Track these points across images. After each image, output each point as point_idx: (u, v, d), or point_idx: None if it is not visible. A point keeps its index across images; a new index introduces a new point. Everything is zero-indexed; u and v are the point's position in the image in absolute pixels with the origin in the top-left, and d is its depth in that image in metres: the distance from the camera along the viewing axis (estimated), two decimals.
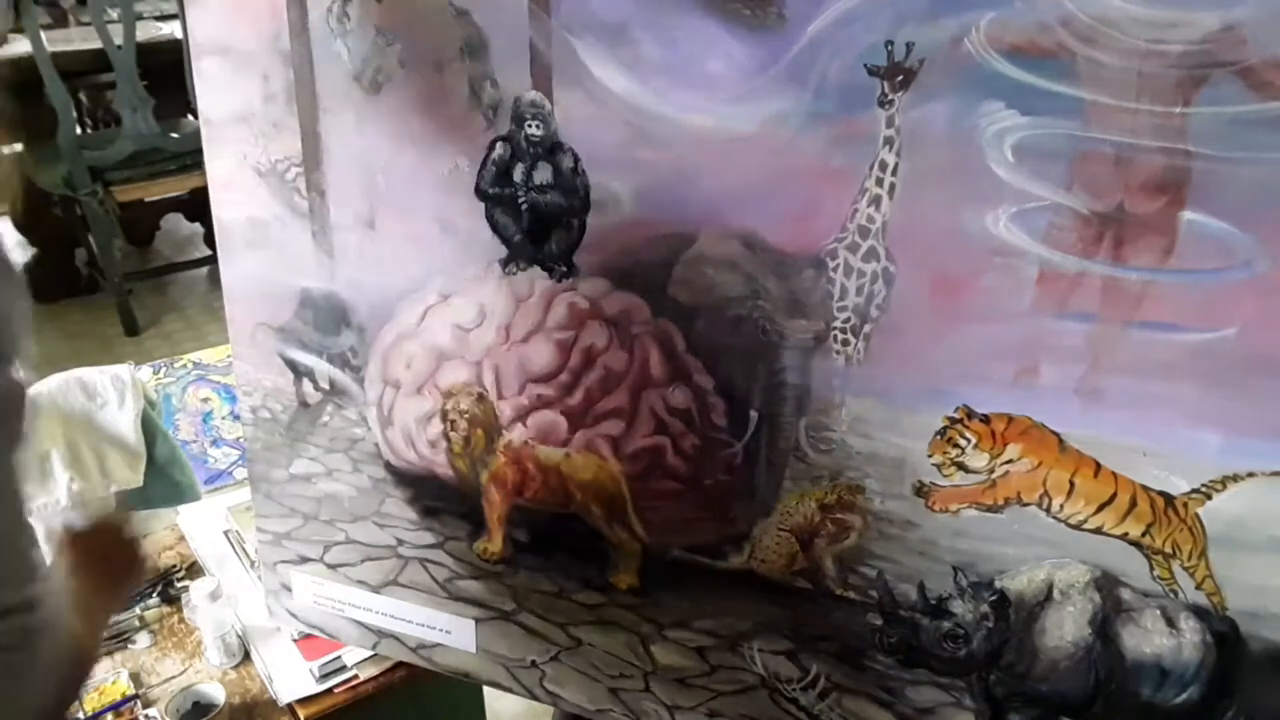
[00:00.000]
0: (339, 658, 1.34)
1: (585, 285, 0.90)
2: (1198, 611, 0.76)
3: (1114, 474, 0.75)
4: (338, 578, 1.15)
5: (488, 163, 0.89)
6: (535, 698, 1.10)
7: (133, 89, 3.00)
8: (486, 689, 1.28)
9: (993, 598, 0.82)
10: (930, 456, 0.80)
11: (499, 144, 0.88)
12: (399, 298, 0.99)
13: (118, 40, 2.92)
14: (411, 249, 0.96)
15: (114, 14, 2.91)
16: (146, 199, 3.38)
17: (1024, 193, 0.70)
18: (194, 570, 1.43)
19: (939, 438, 0.79)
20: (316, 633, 1.23)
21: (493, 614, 1.08)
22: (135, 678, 1.35)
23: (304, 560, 1.16)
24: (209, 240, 3.62)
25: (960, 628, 0.83)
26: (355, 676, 1.34)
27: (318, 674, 1.33)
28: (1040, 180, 0.70)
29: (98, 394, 1.40)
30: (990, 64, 0.68)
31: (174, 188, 3.29)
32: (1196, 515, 0.73)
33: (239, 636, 1.40)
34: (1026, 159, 0.69)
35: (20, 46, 2.85)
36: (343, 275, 1.01)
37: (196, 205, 3.59)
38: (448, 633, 1.11)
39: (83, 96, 3.66)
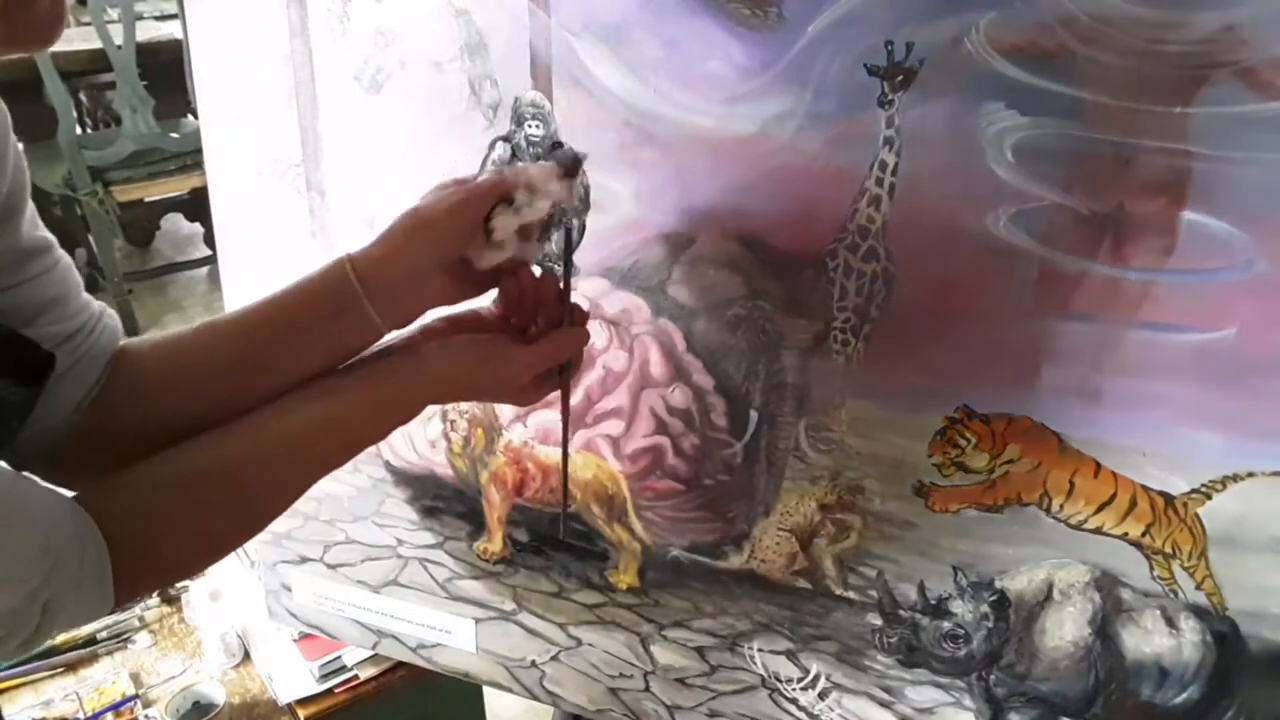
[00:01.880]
0: (339, 658, 1.34)
1: (585, 285, 0.90)
2: (1198, 611, 0.76)
3: (1114, 474, 0.75)
4: (338, 577, 1.15)
5: (487, 162, 0.89)
6: (535, 697, 1.10)
7: (133, 89, 3.00)
8: (486, 689, 1.28)
9: (993, 598, 0.82)
10: (930, 457, 0.80)
11: (499, 144, 0.88)
12: None
13: (118, 40, 2.93)
14: None
15: (114, 14, 2.92)
16: (146, 199, 3.38)
17: (1024, 193, 0.70)
18: None
19: (939, 438, 0.79)
20: (316, 632, 1.23)
21: (492, 614, 1.08)
22: (135, 678, 1.36)
23: (304, 560, 1.16)
24: (209, 240, 3.62)
25: (960, 628, 0.83)
26: (355, 676, 1.34)
27: (318, 674, 1.33)
28: (1040, 180, 0.70)
29: None
30: (990, 64, 0.68)
31: (174, 188, 3.30)
32: (1196, 515, 0.73)
33: (239, 636, 1.40)
34: (1026, 159, 0.69)
35: None
36: None
37: (196, 205, 3.59)
38: (448, 633, 1.11)
39: (83, 96, 3.67)
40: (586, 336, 0.76)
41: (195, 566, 0.69)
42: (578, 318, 0.75)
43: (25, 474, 0.58)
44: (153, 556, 0.64)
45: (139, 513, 0.63)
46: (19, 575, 0.55)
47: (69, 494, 0.60)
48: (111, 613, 0.63)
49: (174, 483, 0.65)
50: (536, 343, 0.72)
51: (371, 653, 1.25)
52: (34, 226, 0.66)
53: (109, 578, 0.60)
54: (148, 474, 0.65)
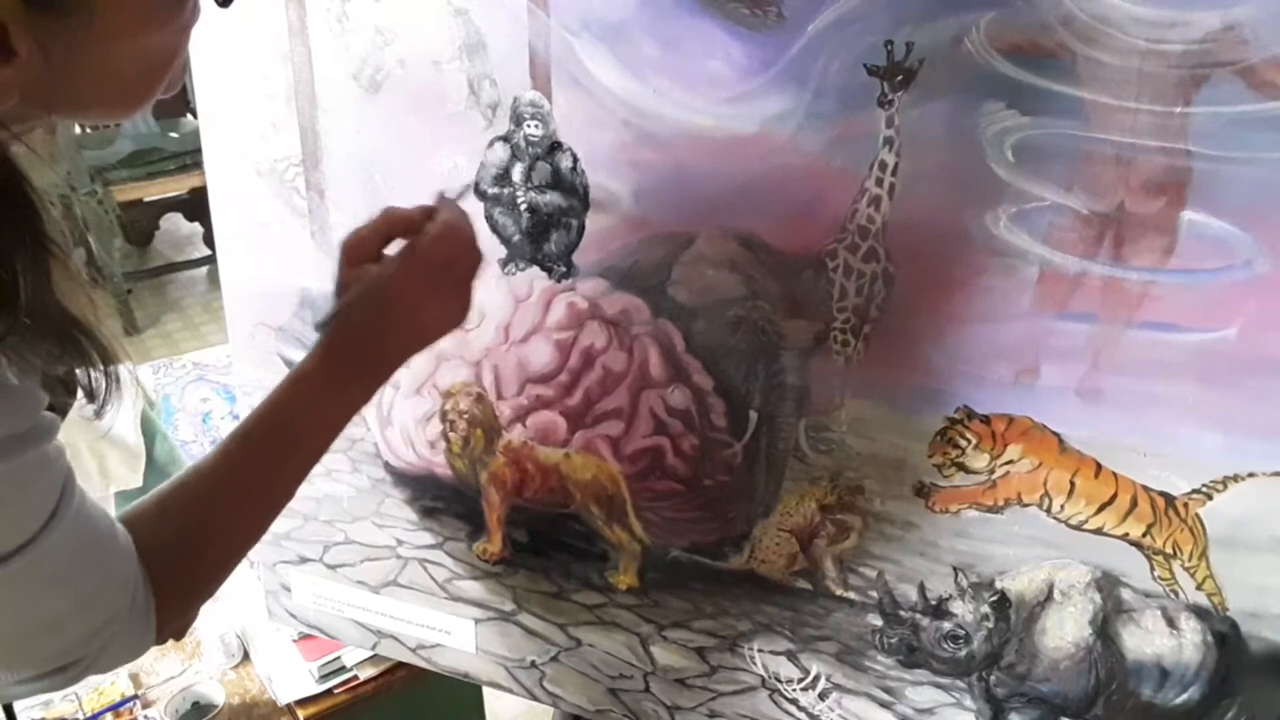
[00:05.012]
0: (339, 658, 1.34)
1: (584, 285, 0.90)
2: (1198, 612, 0.76)
3: (1114, 474, 0.75)
4: (337, 578, 1.15)
5: (486, 162, 0.89)
6: (535, 698, 1.10)
7: None
8: (486, 689, 1.28)
9: (993, 598, 0.82)
10: (930, 457, 0.80)
11: (498, 143, 0.88)
12: None
13: None
14: None
15: None
16: (146, 199, 3.39)
17: (1024, 193, 0.70)
18: None
19: (939, 438, 0.79)
20: (316, 633, 1.23)
21: (492, 614, 1.08)
22: (134, 678, 1.36)
23: (303, 560, 1.16)
24: (208, 240, 3.62)
25: (961, 628, 0.83)
26: (355, 677, 1.34)
27: (317, 674, 1.33)
28: (1040, 180, 0.70)
29: None
30: (990, 64, 0.68)
31: (173, 187, 3.30)
32: (1197, 515, 0.73)
33: (238, 637, 1.40)
34: (1027, 159, 0.69)
35: None
36: None
37: (196, 205, 3.59)
38: (447, 633, 1.11)
39: None
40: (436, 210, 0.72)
41: (214, 589, 0.71)
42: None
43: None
44: (187, 592, 0.67)
45: (178, 548, 0.65)
46: (105, 600, 0.58)
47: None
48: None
49: (202, 523, 0.67)
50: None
51: (371, 653, 1.24)
52: None
53: (153, 615, 0.62)
54: (174, 516, 0.66)
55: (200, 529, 0.67)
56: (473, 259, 0.73)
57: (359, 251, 0.72)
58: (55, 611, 0.57)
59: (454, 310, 0.73)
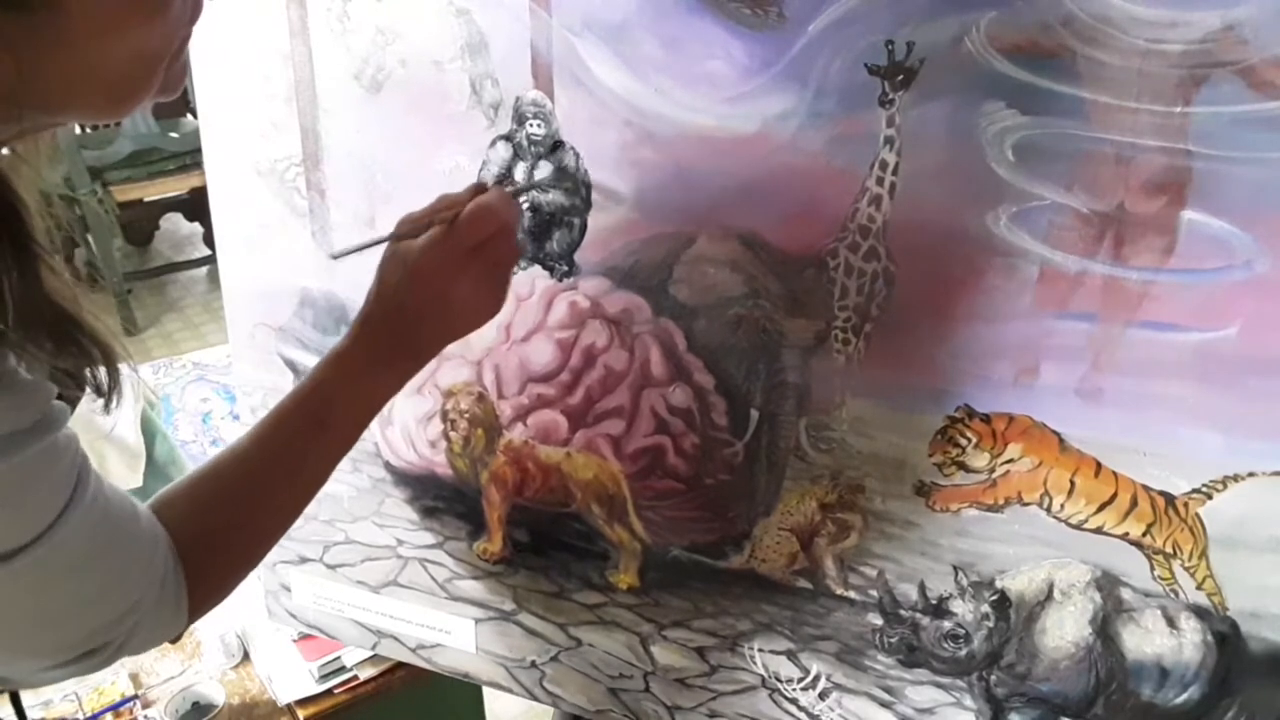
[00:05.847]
0: (338, 658, 1.34)
1: (586, 284, 0.90)
2: (1198, 611, 0.76)
3: (1114, 474, 0.75)
4: (337, 578, 1.15)
5: (488, 162, 0.89)
6: (535, 698, 1.10)
7: None
8: (486, 689, 1.28)
9: (993, 597, 0.82)
10: (931, 456, 0.80)
11: (500, 143, 0.88)
12: None
13: None
14: None
15: None
16: (146, 199, 3.39)
17: (1025, 192, 0.70)
18: None
19: (939, 437, 0.79)
20: (316, 633, 1.23)
21: (492, 614, 1.08)
22: (134, 678, 1.36)
23: (303, 560, 1.16)
24: (208, 240, 3.62)
25: (961, 627, 0.83)
26: (355, 677, 1.34)
27: (317, 674, 1.33)
28: (1041, 180, 0.70)
29: None
30: (991, 64, 0.68)
31: (173, 187, 3.31)
32: (1197, 515, 0.73)
33: (238, 637, 1.40)
34: (1027, 158, 0.69)
35: None
36: (342, 275, 1.01)
37: (196, 205, 3.60)
38: (447, 633, 1.11)
39: None
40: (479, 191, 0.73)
41: (248, 571, 0.72)
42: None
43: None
44: (219, 572, 0.67)
45: (207, 532, 0.66)
46: (129, 583, 0.59)
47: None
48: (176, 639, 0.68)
49: (235, 505, 0.68)
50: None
51: (371, 653, 1.24)
52: None
53: (185, 597, 0.63)
54: (206, 499, 0.67)
55: (233, 511, 0.67)
56: (507, 247, 0.73)
57: (408, 230, 0.72)
58: (77, 598, 0.58)
59: (485, 297, 0.73)
